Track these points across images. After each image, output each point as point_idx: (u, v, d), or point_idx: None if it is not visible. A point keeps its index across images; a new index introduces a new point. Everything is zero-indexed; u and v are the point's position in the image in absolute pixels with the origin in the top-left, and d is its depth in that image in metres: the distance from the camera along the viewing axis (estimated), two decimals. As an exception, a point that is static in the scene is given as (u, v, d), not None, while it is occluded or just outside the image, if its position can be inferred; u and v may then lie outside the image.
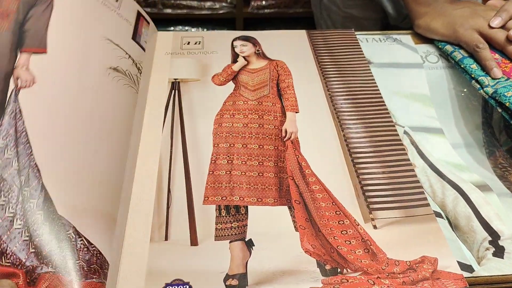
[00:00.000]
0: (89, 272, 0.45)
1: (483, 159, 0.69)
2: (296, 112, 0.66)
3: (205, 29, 2.12)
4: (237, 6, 2.08)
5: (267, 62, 0.72)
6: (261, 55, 0.74)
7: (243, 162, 0.61)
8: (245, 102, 0.67)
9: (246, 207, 0.58)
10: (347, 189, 0.59)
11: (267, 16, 2.12)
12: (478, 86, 0.72)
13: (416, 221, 0.55)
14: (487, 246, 0.54)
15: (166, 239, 0.54)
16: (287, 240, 0.54)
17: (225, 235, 0.55)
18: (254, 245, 0.53)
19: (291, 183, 0.59)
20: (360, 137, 0.64)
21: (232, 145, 0.63)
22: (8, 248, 0.44)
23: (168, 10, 2.07)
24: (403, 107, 0.72)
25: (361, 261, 0.51)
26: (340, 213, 0.56)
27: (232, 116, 0.66)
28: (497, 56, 0.74)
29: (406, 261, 0.50)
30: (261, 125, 0.65)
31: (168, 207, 0.57)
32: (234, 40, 0.76)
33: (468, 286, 0.48)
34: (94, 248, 0.47)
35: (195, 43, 0.78)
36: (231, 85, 0.70)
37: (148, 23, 0.76)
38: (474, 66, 0.74)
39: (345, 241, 0.53)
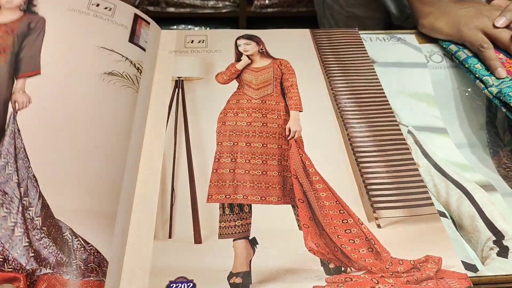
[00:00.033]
0: (86, 270, 0.47)
1: (487, 159, 0.68)
2: (300, 111, 0.66)
3: (208, 28, 2.12)
4: (240, 5, 2.08)
5: (271, 61, 0.72)
6: (264, 54, 0.74)
7: (247, 161, 0.61)
8: (249, 101, 0.67)
9: (250, 206, 0.58)
10: (351, 188, 0.59)
11: (270, 15, 2.12)
12: (483, 86, 0.72)
13: (420, 221, 0.55)
14: (491, 245, 0.54)
15: (170, 237, 0.54)
16: (291, 238, 0.54)
17: (229, 233, 0.55)
18: (257, 244, 0.53)
19: (295, 182, 0.59)
20: (364, 136, 0.64)
21: (235, 143, 0.63)
22: (10, 255, 0.47)
23: (171, 9, 2.07)
24: (407, 107, 0.72)
25: (365, 260, 0.51)
26: (344, 212, 0.56)
27: (235, 114, 0.66)
28: (501, 56, 0.74)
29: (410, 260, 0.50)
30: (264, 124, 0.65)
31: (172, 205, 0.57)
32: (238, 38, 0.76)
33: (472, 285, 0.48)
34: (91, 247, 0.48)
35: (199, 42, 0.78)
36: (234, 84, 0.70)
37: (148, 23, 0.76)
38: (479, 65, 0.74)
39: (349, 240, 0.53)
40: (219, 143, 0.63)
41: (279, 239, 0.54)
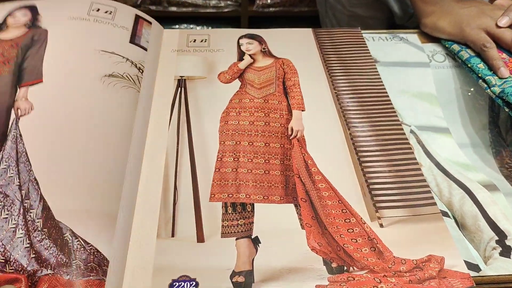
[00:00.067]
0: (86, 270, 0.47)
1: (490, 158, 0.68)
2: (302, 110, 0.66)
3: (210, 28, 2.12)
4: (242, 4, 2.07)
5: (273, 60, 0.72)
6: (267, 53, 0.74)
7: (249, 160, 0.61)
8: (251, 100, 0.67)
9: (253, 205, 0.58)
10: (353, 188, 0.59)
11: (272, 14, 2.12)
12: (485, 85, 0.72)
13: (422, 220, 0.55)
14: (494, 245, 0.54)
15: (172, 235, 0.54)
16: (294, 237, 0.54)
17: (231, 232, 0.55)
18: (260, 243, 0.53)
19: (297, 181, 0.59)
20: (366, 136, 0.64)
21: (238, 142, 0.63)
22: (11, 256, 0.48)
23: (173, 8, 2.07)
24: (409, 106, 0.72)
25: (368, 259, 0.51)
26: (346, 211, 0.56)
27: (238, 114, 0.66)
28: (504, 55, 0.74)
29: (413, 260, 0.50)
30: (267, 123, 0.65)
31: (174, 204, 0.57)
32: (240, 38, 0.76)
33: (474, 285, 0.48)
34: (91, 247, 0.49)
35: (201, 41, 0.78)
36: (237, 83, 0.70)
37: (150, 23, 0.76)
38: (481, 65, 0.74)
39: (352, 239, 0.53)
40: (222, 142, 0.63)
41: (281, 238, 0.54)
